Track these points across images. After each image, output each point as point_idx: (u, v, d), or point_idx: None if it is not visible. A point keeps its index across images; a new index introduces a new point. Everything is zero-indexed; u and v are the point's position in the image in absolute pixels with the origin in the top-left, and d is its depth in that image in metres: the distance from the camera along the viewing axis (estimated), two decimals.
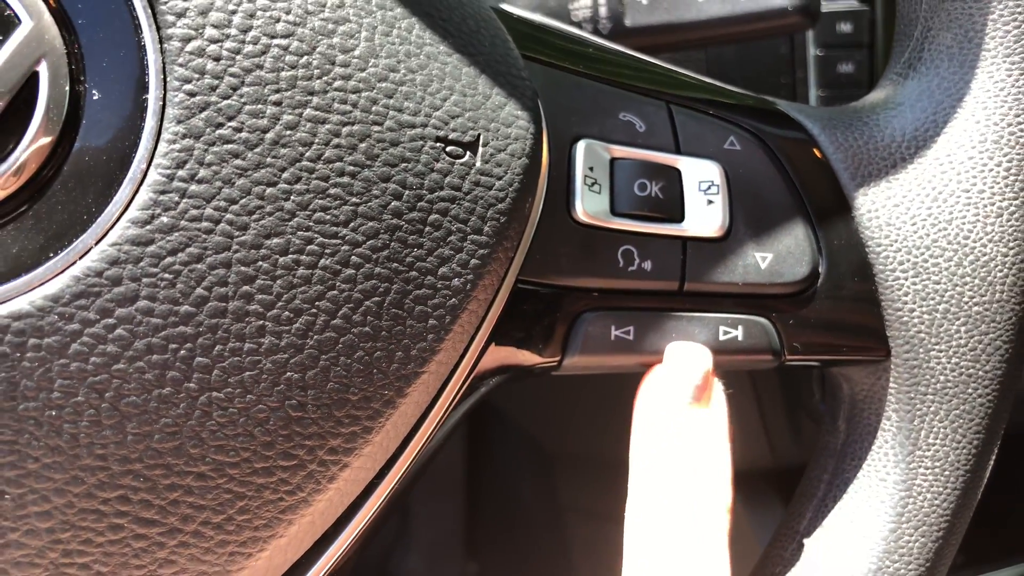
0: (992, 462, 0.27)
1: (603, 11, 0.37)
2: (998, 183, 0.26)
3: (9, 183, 0.19)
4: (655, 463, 0.25)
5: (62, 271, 0.19)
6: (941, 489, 0.26)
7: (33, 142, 0.19)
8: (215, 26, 0.20)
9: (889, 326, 0.26)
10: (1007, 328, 0.26)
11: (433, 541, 0.96)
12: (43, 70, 0.19)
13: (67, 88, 0.19)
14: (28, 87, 0.19)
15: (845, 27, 0.51)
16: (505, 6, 0.39)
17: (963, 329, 0.26)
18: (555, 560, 0.91)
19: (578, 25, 0.38)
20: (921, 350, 0.26)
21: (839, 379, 0.28)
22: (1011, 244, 0.26)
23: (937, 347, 0.26)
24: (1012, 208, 0.26)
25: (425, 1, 0.22)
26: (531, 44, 0.26)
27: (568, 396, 0.85)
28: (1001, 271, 0.26)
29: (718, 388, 0.26)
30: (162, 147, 0.19)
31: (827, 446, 0.29)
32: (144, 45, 0.20)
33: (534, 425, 0.96)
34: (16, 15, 0.19)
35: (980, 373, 0.26)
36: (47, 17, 0.19)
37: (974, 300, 0.26)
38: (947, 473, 0.26)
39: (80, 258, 0.19)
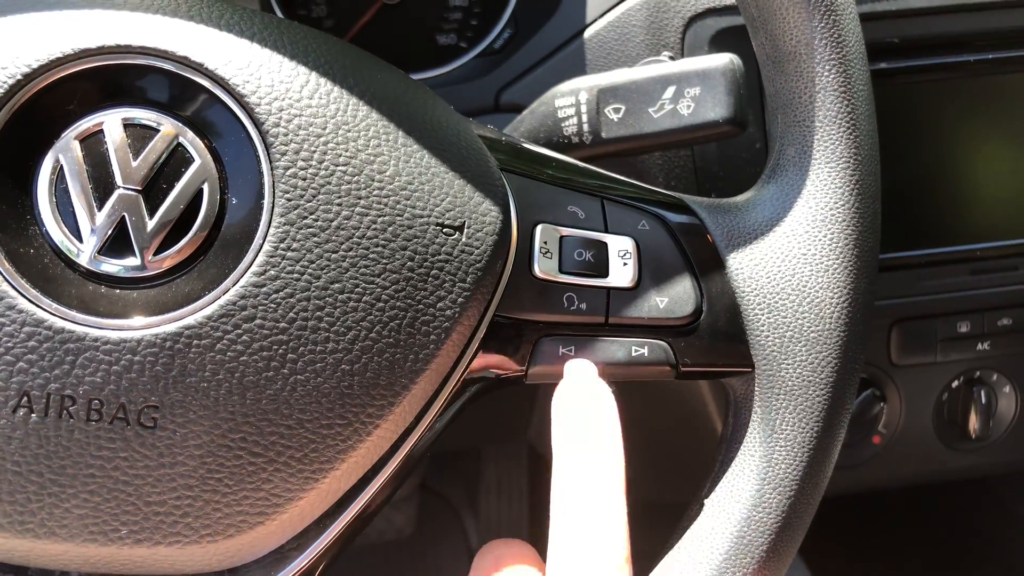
0: (836, 444, 0.38)
1: (586, 127, 0.50)
2: (824, 249, 0.38)
3: (185, 252, 0.33)
4: (568, 424, 0.35)
5: (213, 301, 0.32)
6: (792, 460, 0.37)
7: (201, 228, 0.33)
8: (304, 160, 0.33)
9: (752, 348, 0.38)
10: (834, 348, 0.37)
11: None
12: (206, 187, 0.33)
13: (218, 197, 0.33)
14: (196, 197, 0.33)
15: None
16: (510, 127, 0.53)
17: (803, 350, 0.37)
18: None
19: (568, 138, 0.51)
20: (775, 364, 0.38)
21: (726, 387, 0.40)
22: (835, 291, 0.37)
23: (785, 362, 0.38)
24: (835, 266, 0.37)
25: (433, 137, 0.36)
26: (512, 160, 0.39)
27: None
28: (830, 309, 0.37)
29: (603, 382, 0.36)
30: (271, 231, 0.33)
31: (721, 436, 0.40)
32: (262, 171, 0.33)
33: None
34: (191, 156, 0.33)
35: (816, 380, 0.37)
36: (208, 156, 0.33)
37: (811, 329, 0.37)
38: (795, 449, 0.37)
39: (224, 294, 0.32)
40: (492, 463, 1.14)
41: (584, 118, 0.50)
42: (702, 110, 0.48)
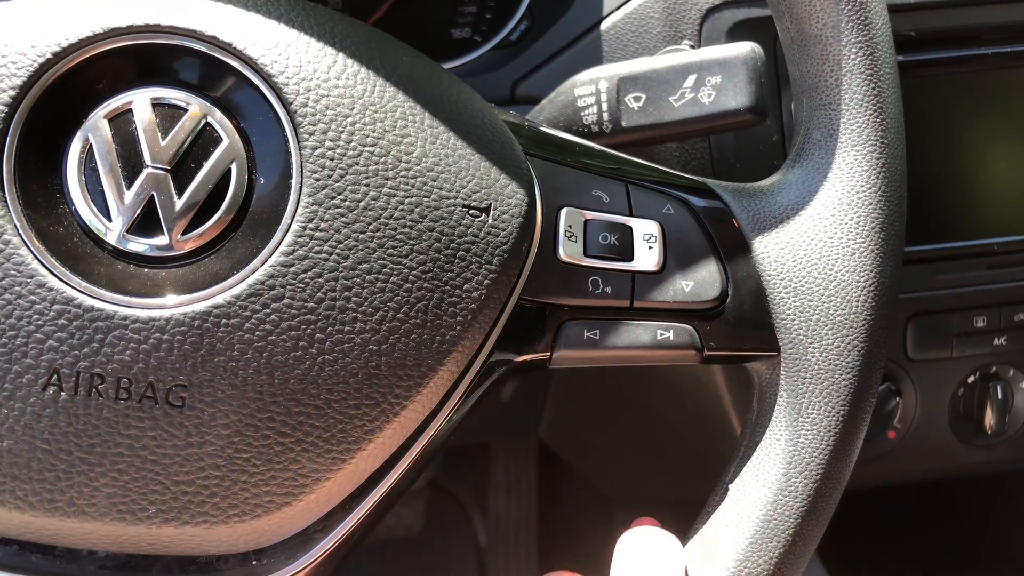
0: (861, 428, 0.38)
1: (606, 116, 0.50)
2: (850, 233, 0.37)
3: (214, 231, 0.33)
4: None
5: (241, 281, 0.32)
6: (818, 444, 0.37)
7: (229, 208, 0.33)
8: (331, 140, 0.33)
9: (778, 332, 0.38)
10: (861, 332, 0.37)
11: None
12: (234, 167, 0.33)
13: (246, 177, 0.33)
14: (224, 176, 0.33)
15: None
16: (529, 116, 0.52)
17: (829, 333, 0.37)
18: None
19: (588, 127, 0.51)
20: (800, 348, 0.37)
21: (751, 372, 0.39)
22: (862, 274, 0.37)
23: (812, 346, 0.37)
24: (862, 250, 0.37)
25: (459, 120, 0.36)
26: (535, 145, 0.39)
27: (625, 447, 0.96)
28: (856, 293, 0.37)
29: (671, 536, 0.36)
30: (299, 210, 0.33)
31: (746, 421, 0.40)
32: (290, 151, 0.33)
33: (597, 476, 1.07)
34: (220, 136, 0.33)
35: (842, 363, 0.37)
36: (236, 136, 0.33)
37: (837, 313, 0.37)
38: (821, 433, 0.37)
39: (252, 274, 0.32)
40: (501, 460, 1.14)
41: (604, 107, 0.50)
42: (723, 98, 0.48)
